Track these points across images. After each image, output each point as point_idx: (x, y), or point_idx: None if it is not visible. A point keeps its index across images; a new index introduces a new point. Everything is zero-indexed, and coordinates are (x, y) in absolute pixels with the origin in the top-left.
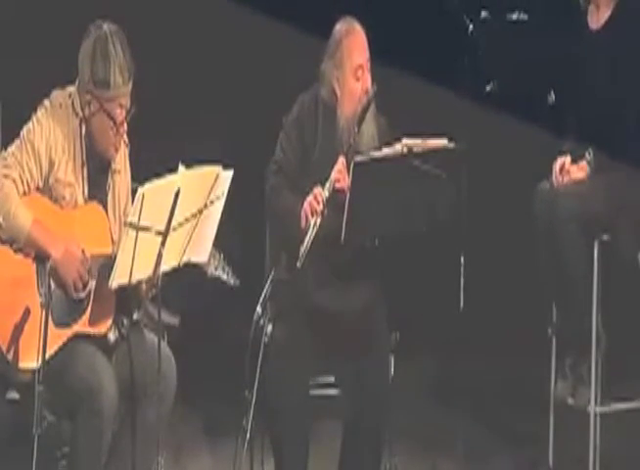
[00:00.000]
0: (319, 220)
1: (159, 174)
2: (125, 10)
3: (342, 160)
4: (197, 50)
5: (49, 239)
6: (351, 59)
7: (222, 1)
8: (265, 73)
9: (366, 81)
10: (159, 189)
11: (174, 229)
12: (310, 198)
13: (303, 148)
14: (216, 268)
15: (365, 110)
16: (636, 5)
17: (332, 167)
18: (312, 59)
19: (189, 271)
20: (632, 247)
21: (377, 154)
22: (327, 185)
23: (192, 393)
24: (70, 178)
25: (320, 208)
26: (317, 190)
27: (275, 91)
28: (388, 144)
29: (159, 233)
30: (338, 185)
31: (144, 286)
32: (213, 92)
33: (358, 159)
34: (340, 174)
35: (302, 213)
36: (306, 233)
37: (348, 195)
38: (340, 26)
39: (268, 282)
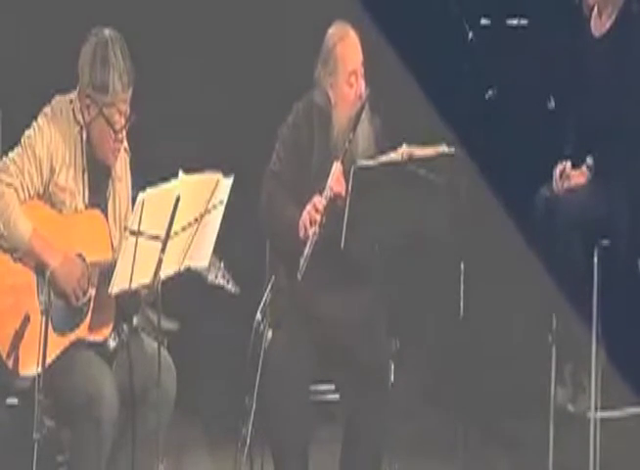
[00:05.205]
0: (318, 230)
1: (159, 181)
2: (125, 17)
3: (337, 165)
4: (197, 56)
5: (48, 249)
6: (345, 65)
7: (222, 8)
8: (266, 80)
9: (359, 87)
10: (159, 195)
11: (174, 235)
12: (309, 207)
13: (299, 155)
14: (216, 275)
15: (359, 115)
16: (638, 12)
17: (328, 174)
18: (311, 66)
19: (189, 277)
20: (632, 252)
21: (376, 161)
22: (325, 193)
23: (192, 399)
24: (71, 185)
25: (319, 217)
26: (316, 199)
27: (276, 98)
28: (387, 151)
29: (158, 239)
30: (335, 190)
31: (143, 292)
32: (214, 99)
33: (358, 165)
34: (336, 180)
35: (301, 224)
36: (305, 244)
37: (348, 201)
38: (332, 31)
39: (268, 289)
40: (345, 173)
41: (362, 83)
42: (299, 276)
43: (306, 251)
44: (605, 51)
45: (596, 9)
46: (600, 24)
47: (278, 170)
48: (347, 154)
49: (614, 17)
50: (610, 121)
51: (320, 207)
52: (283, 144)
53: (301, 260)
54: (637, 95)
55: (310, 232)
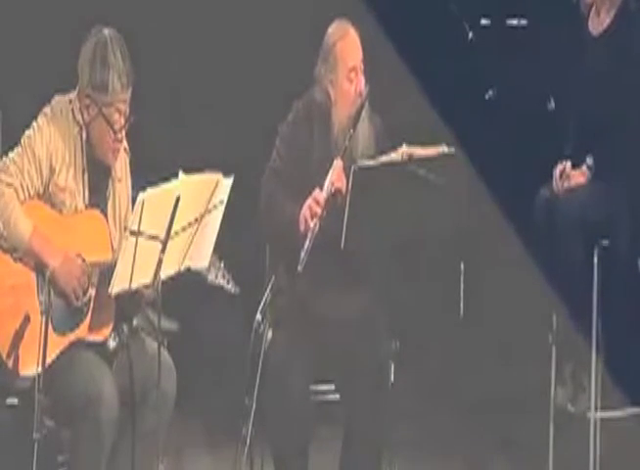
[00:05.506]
0: (319, 223)
1: (159, 181)
2: (125, 17)
3: (338, 162)
4: (196, 56)
5: (48, 248)
6: (345, 62)
7: (222, 7)
8: (266, 79)
9: (359, 83)
10: (159, 195)
11: (174, 235)
12: (310, 201)
13: (299, 152)
14: (216, 275)
15: (359, 112)
16: (636, 11)
17: (328, 171)
18: (310, 64)
19: (189, 277)
20: (632, 252)
21: (376, 161)
22: (325, 187)
23: (192, 399)
24: (71, 185)
25: (319, 210)
26: (316, 192)
27: (276, 97)
28: (388, 151)
29: (158, 239)
30: (336, 186)
31: (144, 292)
32: (214, 98)
33: (358, 165)
34: (337, 176)
35: (302, 217)
36: (306, 237)
37: (348, 201)
38: (333, 29)
39: (268, 289)
40: (346, 170)
41: (362, 79)
42: (300, 268)
43: (307, 244)
44: (603, 49)
45: (594, 8)
46: (598, 23)
47: (278, 168)
48: (347, 151)
49: (612, 15)
50: (610, 120)
51: (321, 200)
52: (283, 142)
53: (302, 254)
54: (636, 93)
55: (311, 225)
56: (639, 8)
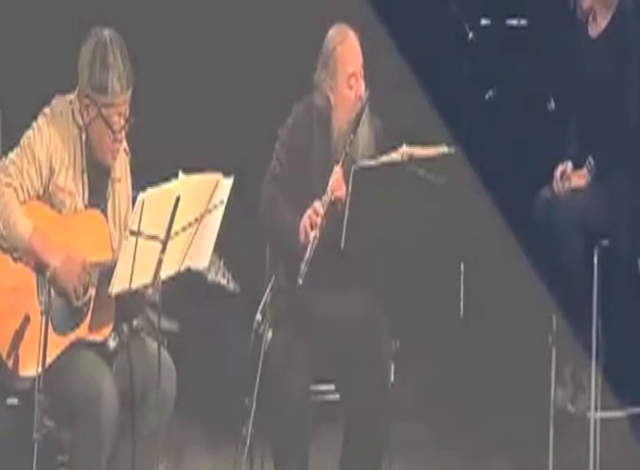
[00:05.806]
0: (319, 234)
1: (159, 181)
2: (125, 17)
3: (338, 168)
4: (197, 57)
5: (49, 247)
6: (345, 67)
7: (222, 9)
8: (266, 81)
9: (359, 88)
10: (159, 196)
11: (174, 236)
12: (310, 211)
13: (299, 157)
14: (217, 274)
15: (359, 117)
16: (633, 12)
17: (328, 176)
18: (310, 66)
19: (189, 277)
20: (632, 252)
21: (377, 161)
22: (325, 196)
23: (192, 399)
24: (70, 185)
25: (319, 221)
26: (316, 203)
27: (276, 98)
28: (388, 151)
29: (158, 239)
30: (336, 194)
31: (144, 292)
32: (214, 99)
33: (358, 166)
34: (337, 183)
35: (302, 227)
36: (306, 248)
37: (348, 202)
38: (332, 34)
39: (268, 289)
40: (346, 176)
41: (362, 84)
42: (300, 281)
43: (307, 255)
44: (603, 50)
45: (591, 13)
46: (596, 26)
47: (278, 173)
48: (347, 156)
49: (609, 16)
50: (610, 121)
51: (321, 210)
52: (283, 146)
53: (302, 265)
54: (634, 95)
55: (311, 236)
56: (636, 8)
